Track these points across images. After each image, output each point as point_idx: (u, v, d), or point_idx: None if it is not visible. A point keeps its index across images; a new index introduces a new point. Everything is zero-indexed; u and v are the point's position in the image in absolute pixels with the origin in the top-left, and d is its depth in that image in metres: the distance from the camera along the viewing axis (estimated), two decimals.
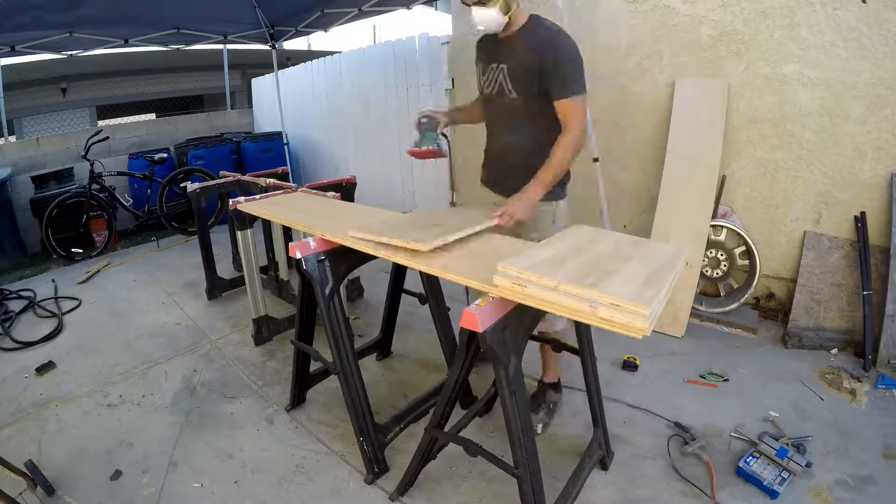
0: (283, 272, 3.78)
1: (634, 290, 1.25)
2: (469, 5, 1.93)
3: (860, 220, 2.88)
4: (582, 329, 1.93)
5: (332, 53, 6.36)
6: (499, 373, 1.47)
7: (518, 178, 2.02)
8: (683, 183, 3.28)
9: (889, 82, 2.74)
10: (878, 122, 2.80)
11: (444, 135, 2.35)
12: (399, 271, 2.61)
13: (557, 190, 2.10)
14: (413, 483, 1.97)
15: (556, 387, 2.47)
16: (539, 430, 2.29)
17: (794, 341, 2.92)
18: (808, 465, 1.99)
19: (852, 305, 2.91)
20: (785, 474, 1.92)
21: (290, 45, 6.33)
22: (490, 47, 2.11)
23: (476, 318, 1.34)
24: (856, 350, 2.81)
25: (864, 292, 2.80)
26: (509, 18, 1.94)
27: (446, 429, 1.80)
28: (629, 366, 2.76)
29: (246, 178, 3.81)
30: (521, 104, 2.04)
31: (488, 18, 1.92)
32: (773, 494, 1.87)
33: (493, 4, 1.89)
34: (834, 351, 2.85)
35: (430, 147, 2.32)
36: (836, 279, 2.97)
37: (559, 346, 2.17)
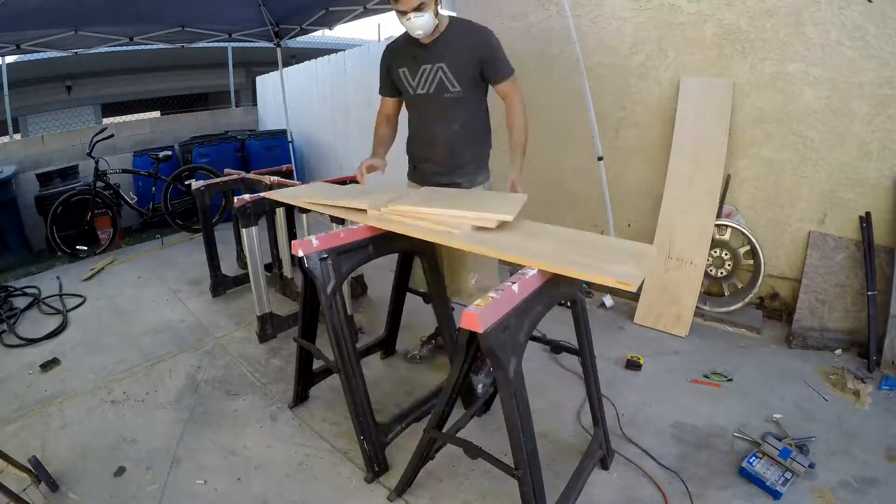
0: (287, 269, 3.79)
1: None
2: (407, 12, 2.07)
3: (865, 221, 2.86)
4: (582, 329, 1.93)
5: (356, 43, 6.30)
6: (499, 373, 1.46)
7: (467, 164, 2.39)
8: (688, 182, 3.27)
9: (895, 81, 2.72)
10: (884, 121, 2.78)
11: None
12: (404, 270, 2.61)
13: (484, 172, 2.48)
14: (412, 483, 1.97)
15: None
16: (479, 390, 2.44)
17: (799, 341, 2.91)
18: (812, 465, 1.98)
19: (857, 306, 2.89)
20: (788, 475, 1.91)
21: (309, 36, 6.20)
22: (412, 52, 2.27)
23: (476, 318, 1.33)
24: (860, 351, 2.79)
25: (869, 293, 2.78)
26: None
27: (446, 429, 1.80)
28: (633, 365, 2.75)
29: (250, 175, 3.82)
30: (464, 96, 2.26)
31: (425, 24, 2.10)
32: (775, 495, 1.86)
33: (427, 9, 2.07)
34: (838, 351, 2.84)
35: None
36: (840, 279, 2.96)
37: (559, 346, 2.17)
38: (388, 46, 2.43)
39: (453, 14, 2.33)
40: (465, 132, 2.35)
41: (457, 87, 2.24)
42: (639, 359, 2.77)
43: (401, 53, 2.34)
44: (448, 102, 2.28)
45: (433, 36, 2.20)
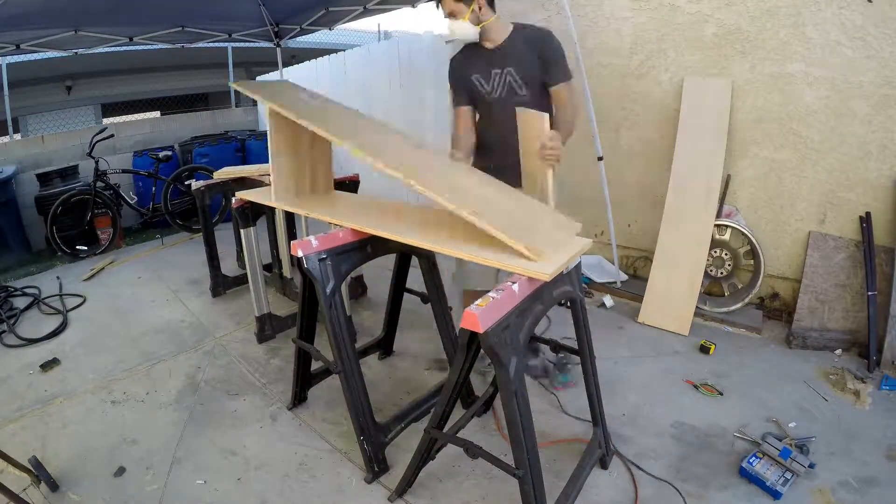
0: (287, 270, 3.79)
1: None
2: (447, 17, 2.23)
3: (865, 221, 2.86)
4: (582, 329, 1.93)
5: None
6: (500, 373, 1.46)
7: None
8: (688, 182, 3.27)
9: (895, 82, 2.72)
10: (884, 121, 2.78)
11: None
12: (402, 270, 2.62)
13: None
14: (412, 483, 1.97)
15: None
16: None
17: (799, 342, 2.91)
18: (812, 465, 1.98)
19: (857, 306, 2.89)
20: (788, 475, 1.91)
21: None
22: (482, 58, 2.33)
23: (477, 318, 1.33)
24: (860, 351, 2.80)
25: (869, 293, 2.78)
26: (482, 29, 2.24)
27: (447, 429, 1.80)
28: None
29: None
30: (530, 99, 2.26)
31: (463, 29, 2.22)
32: (775, 495, 1.86)
33: (460, 17, 2.19)
34: (838, 351, 2.84)
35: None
36: (840, 279, 2.96)
37: (558, 346, 2.17)
38: (452, 59, 2.45)
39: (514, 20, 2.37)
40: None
41: (523, 90, 2.27)
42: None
43: (468, 62, 2.38)
44: (516, 105, 2.25)
45: (496, 42, 2.28)
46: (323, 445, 2.27)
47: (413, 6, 4.62)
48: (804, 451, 2.06)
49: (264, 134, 6.86)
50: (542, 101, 2.29)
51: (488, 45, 2.29)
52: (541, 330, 3.06)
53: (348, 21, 5.23)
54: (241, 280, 3.99)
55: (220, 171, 3.80)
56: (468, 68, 2.37)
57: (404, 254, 2.52)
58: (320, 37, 6.65)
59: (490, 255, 1.63)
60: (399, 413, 2.25)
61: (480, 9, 2.20)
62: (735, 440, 2.20)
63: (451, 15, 2.21)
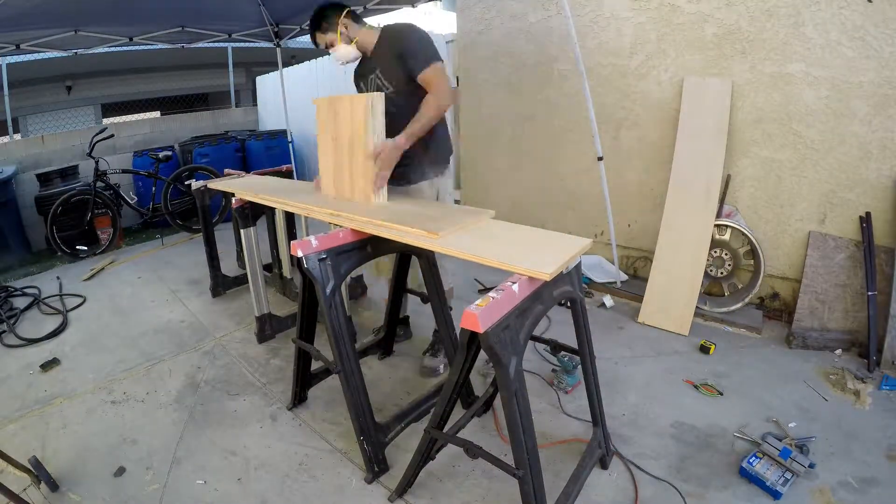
0: (287, 270, 3.79)
1: None
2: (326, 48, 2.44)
3: (865, 221, 2.86)
4: (582, 329, 1.93)
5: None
6: (499, 373, 1.46)
7: (407, 160, 2.37)
8: (688, 182, 3.27)
9: (895, 82, 2.72)
10: (884, 121, 2.78)
11: None
12: (402, 271, 2.62)
13: (430, 168, 2.48)
14: (412, 483, 1.97)
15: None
16: (441, 371, 2.72)
17: (799, 342, 2.91)
18: (812, 465, 1.98)
19: (857, 306, 2.89)
20: (788, 475, 1.91)
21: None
22: (363, 66, 2.52)
23: (476, 318, 1.33)
24: (860, 351, 2.80)
25: (869, 293, 2.78)
26: (356, 44, 2.40)
27: (446, 429, 1.80)
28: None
29: (250, 175, 3.81)
30: (395, 95, 2.33)
31: (343, 53, 2.43)
32: (775, 495, 1.86)
33: (336, 46, 2.40)
34: (838, 351, 2.84)
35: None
36: (840, 279, 2.96)
37: (557, 346, 2.17)
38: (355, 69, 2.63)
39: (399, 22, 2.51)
40: (398, 128, 2.27)
41: (388, 87, 2.37)
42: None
43: (358, 71, 2.58)
44: (389, 102, 2.28)
45: (371, 50, 2.42)
46: (323, 445, 2.27)
47: (413, 6, 4.63)
48: (804, 451, 2.06)
49: (264, 134, 6.88)
50: (416, 94, 2.28)
51: (366, 53, 2.46)
52: (540, 330, 3.06)
53: None
54: (241, 280, 3.99)
55: (216, 182, 3.80)
56: (357, 78, 2.58)
57: (404, 254, 2.52)
58: None
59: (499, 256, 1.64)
60: (399, 413, 2.25)
61: (347, 28, 2.37)
62: (735, 440, 2.20)
63: (328, 46, 2.42)
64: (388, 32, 2.38)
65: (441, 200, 2.55)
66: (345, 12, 2.37)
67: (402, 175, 2.45)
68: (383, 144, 2.19)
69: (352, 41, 2.40)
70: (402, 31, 2.34)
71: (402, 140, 2.21)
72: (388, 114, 2.25)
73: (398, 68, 2.30)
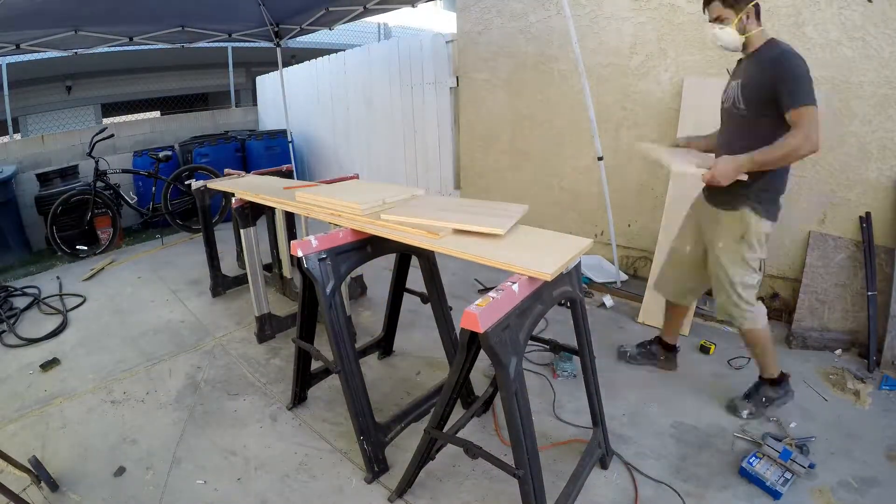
0: (287, 270, 3.79)
1: None
2: (712, 22, 2.12)
3: (865, 221, 2.86)
4: (582, 329, 1.93)
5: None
6: (499, 373, 1.47)
7: (733, 189, 2.13)
8: (689, 181, 3.26)
9: (895, 82, 2.72)
10: (883, 121, 2.78)
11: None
12: (401, 270, 2.62)
13: (755, 198, 2.14)
14: (412, 483, 1.97)
15: (775, 383, 2.36)
16: (744, 416, 2.35)
17: (799, 342, 2.91)
18: (812, 465, 1.98)
19: (857, 306, 2.89)
20: (788, 475, 1.91)
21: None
22: (736, 67, 2.24)
23: (477, 318, 1.34)
24: (860, 351, 2.79)
25: (869, 293, 2.78)
26: (746, 39, 2.09)
27: (446, 429, 1.80)
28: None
29: (250, 175, 3.82)
30: (747, 117, 2.11)
31: (729, 39, 2.10)
32: (775, 495, 1.86)
33: (728, 24, 2.07)
34: (838, 352, 2.84)
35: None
36: (840, 279, 2.96)
37: (557, 346, 2.17)
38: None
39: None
40: (739, 153, 2.06)
41: (741, 106, 2.11)
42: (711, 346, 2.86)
43: (734, 69, 2.28)
44: (735, 120, 2.17)
45: (746, 53, 2.15)
46: (323, 445, 2.27)
47: (413, 6, 4.63)
48: (804, 452, 2.06)
49: (264, 134, 6.88)
50: (761, 124, 2.05)
51: (741, 55, 2.19)
52: (540, 330, 3.06)
53: (348, 21, 5.23)
54: (241, 280, 3.99)
55: (216, 182, 3.78)
56: (731, 74, 2.28)
57: (404, 254, 2.52)
58: (320, 37, 6.66)
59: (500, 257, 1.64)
60: (399, 413, 2.25)
61: (748, 17, 2.06)
62: (735, 440, 2.20)
63: (717, 20, 2.09)
64: (772, 49, 2.06)
65: (748, 242, 2.19)
66: (755, 2, 2.06)
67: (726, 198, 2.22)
68: (716, 163, 2.06)
69: (744, 33, 2.08)
70: (787, 54, 2.00)
71: (744, 160, 2.00)
72: (725, 132, 2.20)
73: (760, 90, 2.03)
